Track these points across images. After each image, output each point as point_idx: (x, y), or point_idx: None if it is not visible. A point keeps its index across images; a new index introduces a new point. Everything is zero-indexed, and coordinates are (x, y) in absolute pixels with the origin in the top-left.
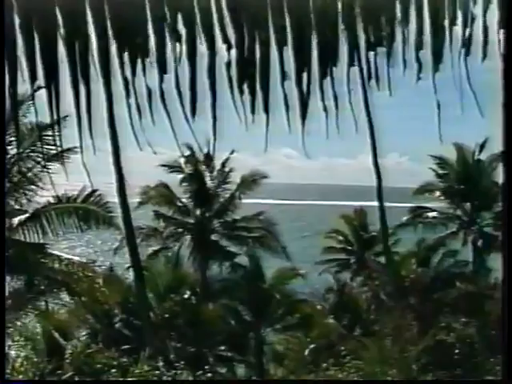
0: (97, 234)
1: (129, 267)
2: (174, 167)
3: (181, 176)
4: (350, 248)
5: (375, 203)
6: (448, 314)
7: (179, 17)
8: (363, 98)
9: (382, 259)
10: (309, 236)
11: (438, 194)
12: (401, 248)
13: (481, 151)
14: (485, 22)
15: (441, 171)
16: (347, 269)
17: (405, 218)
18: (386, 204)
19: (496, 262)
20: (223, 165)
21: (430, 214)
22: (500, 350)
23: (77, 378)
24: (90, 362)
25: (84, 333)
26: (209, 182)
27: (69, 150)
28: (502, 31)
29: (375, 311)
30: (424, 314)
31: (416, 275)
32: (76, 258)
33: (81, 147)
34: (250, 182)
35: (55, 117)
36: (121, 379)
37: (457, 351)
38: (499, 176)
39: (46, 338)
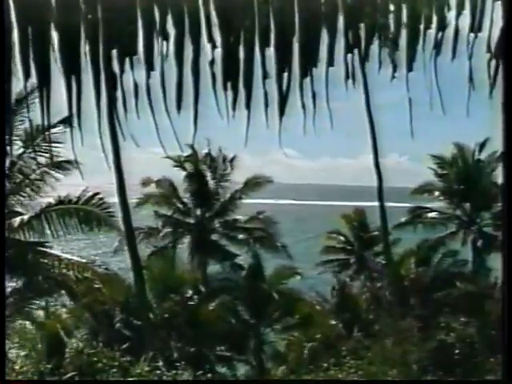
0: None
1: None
2: (175, 162)
3: (182, 175)
4: (350, 248)
5: (375, 203)
6: (447, 313)
7: (168, 16)
8: (364, 98)
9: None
10: (311, 236)
11: (436, 193)
12: (400, 248)
13: (481, 151)
14: (457, 25)
15: (440, 171)
16: (347, 269)
17: (404, 218)
18: (387, 204)
19: (495, 261)
20: (225, 164)
21: (430, 214)
22: (500, 350)
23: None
24: (88, 362)
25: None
26: (210, 182)
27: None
28: (472, 34)
29: (375, 311)
30: (423, 314)
31: (415, 275)
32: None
33: (72, 147)
34: (254, 184)
35: (50, 117)
36: (121, 379)
37: (456, 351)
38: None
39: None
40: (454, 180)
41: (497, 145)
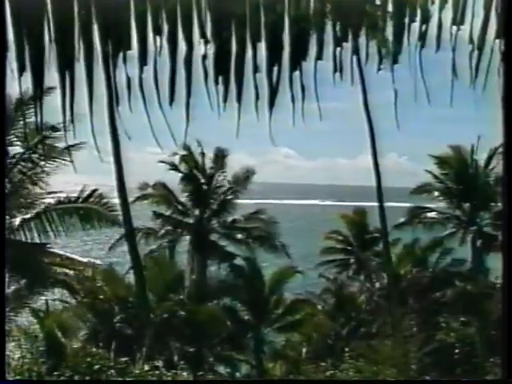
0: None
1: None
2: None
3: (179, 175)
4: (349, 248)
5: (375, 203)
6: (446, 313)
7: (161, 11)
8: (363, 98)
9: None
10: (312, 236)
11: (436, 193)
12: (399, 248)
13: (472, 151)
14: (440, 19)
15: (439, 171)
16: (347, 269)
17: (403, 218)
18: (388, 204)
19: (495, 261)
20: (219, 164)
21: (429, 214)
22: (500, 350)
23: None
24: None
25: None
26: (204, 182)
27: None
28: (454, 27)
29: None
30: (421, 314)
31: (414, 275)
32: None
33: (69, 144)
34: (243, 179)
35: (42, 114)
36: (120, 379)
37: (455, 351)
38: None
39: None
40: (453, 180)
41: (490, 143)
